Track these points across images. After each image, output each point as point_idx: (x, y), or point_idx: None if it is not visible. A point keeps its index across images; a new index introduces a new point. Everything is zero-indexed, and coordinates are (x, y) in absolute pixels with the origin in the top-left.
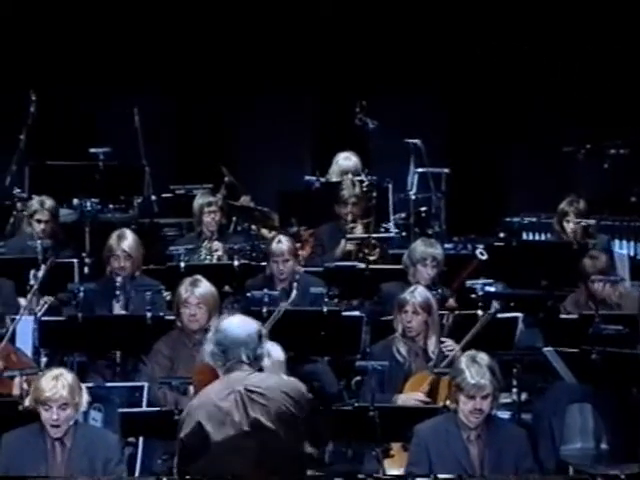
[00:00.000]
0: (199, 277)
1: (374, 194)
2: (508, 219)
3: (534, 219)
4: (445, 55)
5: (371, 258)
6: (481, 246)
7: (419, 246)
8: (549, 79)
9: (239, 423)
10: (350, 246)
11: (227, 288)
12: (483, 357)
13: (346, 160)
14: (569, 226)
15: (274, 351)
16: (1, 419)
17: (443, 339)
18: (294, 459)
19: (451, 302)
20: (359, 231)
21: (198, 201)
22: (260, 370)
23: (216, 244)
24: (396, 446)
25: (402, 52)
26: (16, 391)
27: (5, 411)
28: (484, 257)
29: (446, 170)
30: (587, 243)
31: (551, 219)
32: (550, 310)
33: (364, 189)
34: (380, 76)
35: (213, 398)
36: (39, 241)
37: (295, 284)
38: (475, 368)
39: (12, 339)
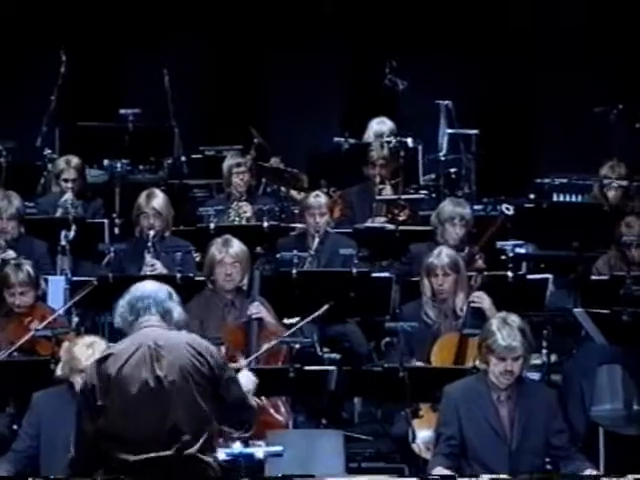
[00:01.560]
0: (230, 237)
1: (402, 155)
2: (538, 180)
3: (565, 180)
4: (475, 14)
5: (400, 219)
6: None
7: (447, 205)
8: (580, 39)
9: (145, 380)
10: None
11: (259, 249)
12: (514, 319)
13: (380, 124)
14: (610, 191)
15: (244, 378)
16: (34, 378)
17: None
18: (199, 419)
19: (480, 263)
20: (388, 192)
21: (227, 162)
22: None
23: (245, 205)
24: (425, 407)
25: (432, 11)
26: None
27: (38, 370)
28: (510, 212)
29: (476, 131)
30: (626, 205)
31: (582, 180)
32: (581, 271)
33: (392, 150)
34: (410, 36)
35: (122, 354)
36: (68, 200)
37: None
38: (506, 330)
39: (44, 299)
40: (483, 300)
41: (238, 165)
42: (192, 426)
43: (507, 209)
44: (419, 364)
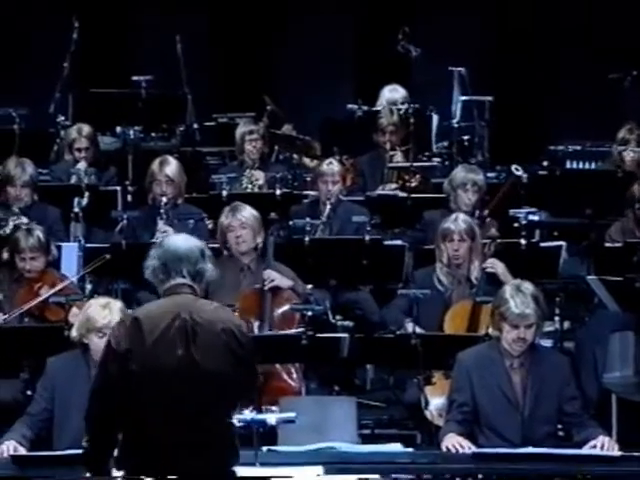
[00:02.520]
0: (239, 203)
1: (412, 121)
2: (552, 147)
3: (578, 147)
4: None
5: (412, 185)
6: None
7: (460, 172)
8: (594, 6)
9: (180, 357)
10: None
11: (273, 215)
12: (528, 286)
13: (392, 92)
14: (629, 155)
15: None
16: (48, 344)
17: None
18: (226, 405)
19: (493, 231)
20: (398, 159)
21: (240, 129)
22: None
23: (258, 173)
24: (438, 374)
25: None
26: (72, 319)
27: (51, 336)
28: (519, 172)
29: (490, 98)
30: None
31: (596, 147)
32: (594, 238)
33: (402, 116)
34: (423, 2)
35: (157, 321)
36: (82, 168)
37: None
38: (520, 297)
39: (57, 266)
40: (497, 265)
41: (251, 132)
42: (218, 411)
43: (517, 169)
44: (411, 326)
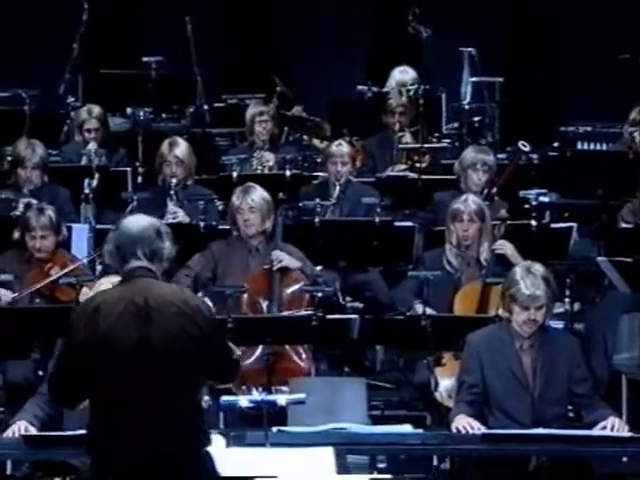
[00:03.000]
0: (251, 184)
1: (422, 102)
2: (563, 128)
3: (589, 128)
4: None
5: (422, 166)
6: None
7: (470, 152)
8: None
9: (135, 341)
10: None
11: (281, 195)
12: (538, 268)
13: (402, 73)
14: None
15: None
16: (58, 325)
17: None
18: (187, 387)
19: (503, 212)
20: (407, 140)
21: (250, 111)
22: (165, 273)
23: (268, 154)
24: (447, 355)
25: None
26: (83, 299)
27: (62, 317)
28: (526, 148)
29: (500, 79)
30: None
31: (607, 128)
32: (605, 220)
33: (411, 97)
34: None
35: (113, 307)
36: (92, 149)
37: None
38: (530, 279)
39: (68, 247)
40: (506, 247)
41: (261, 114)
42: (179, 394)
43: (524, 145)
44: (420, 307)
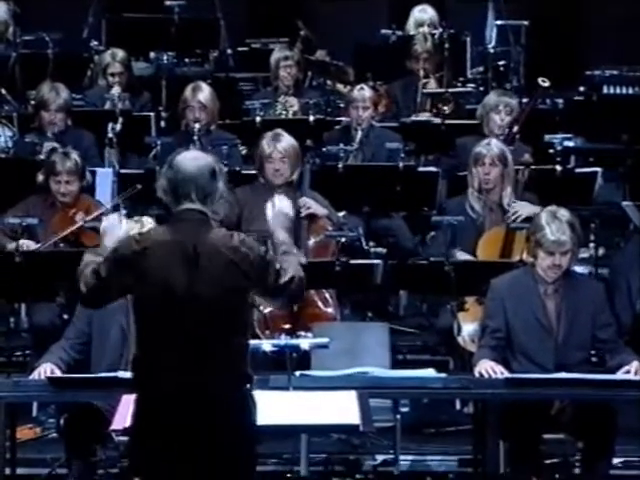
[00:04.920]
0: (280, 131)
1: (447, 47)
2: (589, 72)
3: (615, 72)
4: None
5: (446, 112)
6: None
7: (492, 95)
8: None
9: (179, 286)
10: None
11: (309, 142)
12: (564, 213)
13: (421, 12)
14: None
15: (278, 202)
16: None
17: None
18: (231, 333)
19: (527, 157)
20: (432, 86)
21: (275, 55)
22: (215, 214)
23: (292, 99)
24: (471, 300)
25: None
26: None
27: None
28: (546, 84)
29: (526, 22)
30: None
31: (633, 72)
32: (630, 164)
33: (436, 42)
34: None
35: (160, 247)
36: (116, 94)
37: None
38: (555, 224)
39: (92, 191)
40: (522, 211)
41: (286, 58)
42: (224, 339)
43: (543, 81)
44: (461, 254)
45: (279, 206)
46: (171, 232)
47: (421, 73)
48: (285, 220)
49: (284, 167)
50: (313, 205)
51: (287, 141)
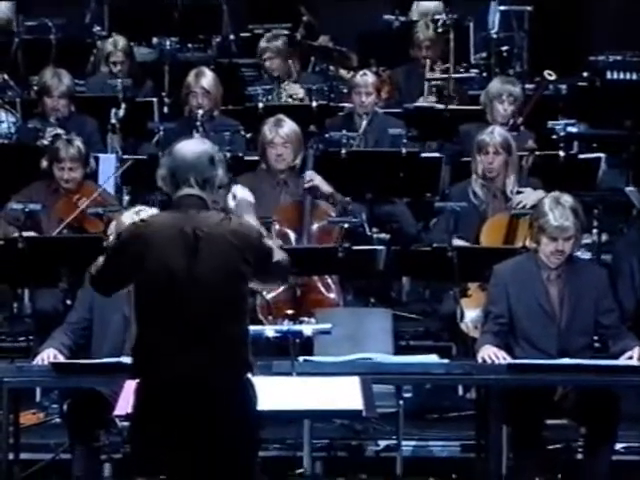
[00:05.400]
0: (282, 117)
1: (451, 35)
2: (592, 58)
3: (619, 57)
4: None
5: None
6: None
7: (496, 83)
8: None
9: (179, 271)
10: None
11: (312, 128)
12: (567, 199)
13: (426, 2)
14: None
15: (239, 191)
16: (86, 254)
17: (520, 189)
18: (231, 318)
19: (530, 143)
20: (436, 75)
21: (258, 46)
22: (215, 203)
23: (296, 86)
24: (474, 286)
25: None
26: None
27: (90, 247)
28: (552, 77)
29: (529, 8)
30: None
31: (637, 58)
32: (634, 150)
33: (439, 29)
34: None
35: (160, 233)
36: (118, 80)
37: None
38: (559, 210)
39: (95, 177)
40: (527, 200)
41: (265, 50)
42: (224, 324)
43: (549, 74)
44: (458, 242)
45: (240, 195)
46: (171, 218)
47: (424, 61)
48: (249, 207)
49: (286, 152)
50: (318, 179)
51: (289, 126)
